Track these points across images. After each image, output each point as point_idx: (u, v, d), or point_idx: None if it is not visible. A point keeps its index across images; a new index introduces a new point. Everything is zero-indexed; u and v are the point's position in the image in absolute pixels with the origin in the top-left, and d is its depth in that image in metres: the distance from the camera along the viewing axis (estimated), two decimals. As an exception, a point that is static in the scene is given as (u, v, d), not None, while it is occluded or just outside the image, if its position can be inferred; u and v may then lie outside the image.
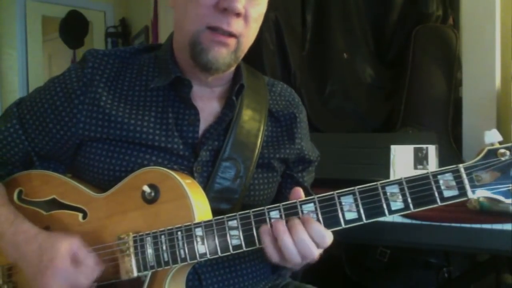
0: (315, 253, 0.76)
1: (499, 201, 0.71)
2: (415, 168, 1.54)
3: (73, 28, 4.21)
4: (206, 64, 0.87)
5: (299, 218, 0.76)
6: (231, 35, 0.86)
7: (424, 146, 1.54)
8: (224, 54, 0.87)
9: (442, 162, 1.53)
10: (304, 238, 0.75)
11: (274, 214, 0.77)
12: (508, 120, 1.73)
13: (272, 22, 2.21)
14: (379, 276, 1.88)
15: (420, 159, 1.54)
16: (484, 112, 1.73)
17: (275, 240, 0.76)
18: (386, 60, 2.25)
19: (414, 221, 1.31)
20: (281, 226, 0.75)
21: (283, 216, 0.77)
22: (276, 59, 2.24)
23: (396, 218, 1.33)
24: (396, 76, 2.18)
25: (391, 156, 1.57)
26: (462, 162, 1.81)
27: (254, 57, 2.36)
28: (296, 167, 1.07)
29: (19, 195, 0.95)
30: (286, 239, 0.75)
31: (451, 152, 1.79)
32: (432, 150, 1.52)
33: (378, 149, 1.60)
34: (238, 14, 0.85)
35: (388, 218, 1.33)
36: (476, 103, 1.76)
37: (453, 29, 2.04)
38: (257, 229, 0.77)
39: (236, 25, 0.86)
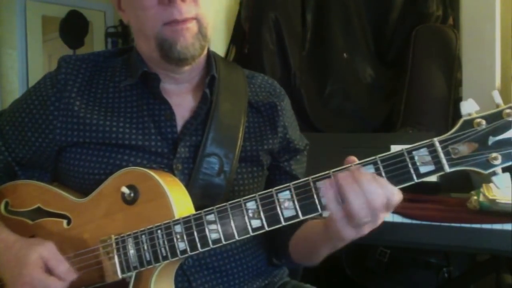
0: (383, 201, 0.68)
1: (496, 185, 0.68)
2: (415, 168, 1.53)
3: (73, 28, 4.20)
4: (179, 56, 0.88)
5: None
6: (187, 19, 0.87)
7: (424, 146, 1.53)
8: (191, 39, 0.87)
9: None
10: (372, 182, 0.68)
11: (251, 205, 0.76)
12: (508, 120, 1.73)
13: (272, 22, 2.22)
14: (379, 276, 1.88)
15: (420, 159, 1.53)
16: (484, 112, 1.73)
17: (338, 194, 0.70)
18: (386, 60, 2.25)
19: (414, 221, 1.31)
20: (345, 174, 0.70)
21: (259, 206, 0.75)
22: (276, 59, 2.24)
23: (396, 218, 1.33)
24: (396, 76, 2.18)
25: (391, 156, 1.56)
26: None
27: (254, 57, 2.37)
28: (282, 156, 1.04)
29: (5, 206, 0.96)
30: (354, 185, 0.68)
31: (451, 152, 1.79)
32: (432, 150, 1.52)
33: (378, 149, 1.60)
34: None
35: (388, 218, 1.33)
36: (476, 103, 1.76)
37: (453, 29, 2.04)
38: (235, 221, 0.77)
39: (187, 9, 0.86)
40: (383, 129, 2.10)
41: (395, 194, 0.70)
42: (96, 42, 4.53)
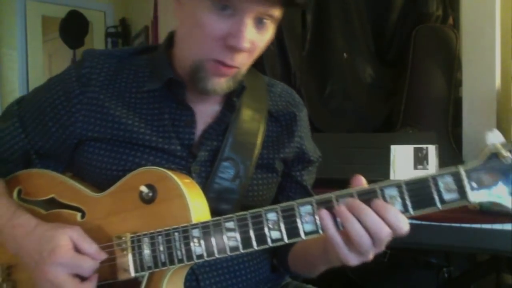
0: (387, 231, 0.69)
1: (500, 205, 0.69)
2: (415, 168, 1.54)
3: (73, 28, 4.21)
4: (204, 90, 0.87)
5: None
6: (233, 67, 0.86)
7: (424, 146, 1.54)
8: (223, 83, 0.87)
9: (442, 162, 1.53)
10: (371, 215, 0.69)
11: (272, 216, 0.76)
12: (508, 120, 1.73)
13: (272, 22, 2.21)
14: (379, 276, 1.88)
15: (420, 159, 1.54)
16: (484, 112, 1.73)
17: (336, 221, 0.71)
18: (386, 60, 2.25)
19: (414, 221, 1.31)
20: (343, 208, 0.71)
21: (280, 217, 0.75)
22: (276, 59, 2.24)
23: (396, 218, 1.33)
24: (396, 76, 2.18)
25: (391, 156, 1.57)
26: (462, 162, 1.80)
27: (254, 57, 2.35)
28: (295, 166, 1.05)
29: (18, 194, 0.95)
30: (350, 217, 0.69)
31: (451, 152, 1.79)
32: (432, 150, 1.52)
33: (378, 149, 1.60)
34: (243, 51, 0.84)
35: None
36: (476, 103, 1.77)
37: (453, 29, 2.04)
38: (254, 230, 0.76)
39: (239, 59, 0.85)
40: (383, 129, 2.10)
41: (402, 226, 0.69)
42: (96, 42, 4.54)
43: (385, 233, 0.69)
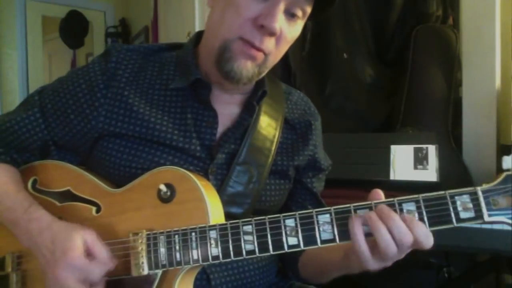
0: (410, 239, 0.72)
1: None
2: (415, 168, 1.54)
3: (73, 28, 4.22)
4: (229, 73, 0.88)
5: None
6: (260, 50, 0.87)
7: (424, 146, 1.54)
8: (249, 67, 0.88)
9: (442, 162, 1.53)
10: (400, 223, 0.71)
11: (290, 222, 0.77)
12: (508, 120, 1.73)
13: (272, 22, 2.21)
14: (379, 276, 1.87)
15: (420, 159, 1.54)
16: (484, 112, 1.73)
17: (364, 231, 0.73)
18: (386, 60, 2.25)
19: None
20: (373, 214, 0.73)
21: (298, 224, 0.76)
22: (276, 59, 2.23)
23: (396, 218, 1.33)
24: (396, 76, 2.18)
25: (391, 156, 1.57)
26: (462, 162, 1.79)
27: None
28: (306, 173, 1.06)
29: (33, 184, 0.96)
30: (380, 225, 0.72)
31: (451, 152, 1.79)
32: (432, 150, 1.52)
33: (378, 149, 1.60)
34: (272, 34, 0.85)
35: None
36: (476, 103, 1.76)
37: (453, 29, 2.04)
38: (272, 235, 0.77)
39: (268, 43, 0.86)
40: (383, 129, 2.10)
41: (430, 240, 0.73)
42: (96, 42, 4.54)
43: (409, 242, 0.72)
